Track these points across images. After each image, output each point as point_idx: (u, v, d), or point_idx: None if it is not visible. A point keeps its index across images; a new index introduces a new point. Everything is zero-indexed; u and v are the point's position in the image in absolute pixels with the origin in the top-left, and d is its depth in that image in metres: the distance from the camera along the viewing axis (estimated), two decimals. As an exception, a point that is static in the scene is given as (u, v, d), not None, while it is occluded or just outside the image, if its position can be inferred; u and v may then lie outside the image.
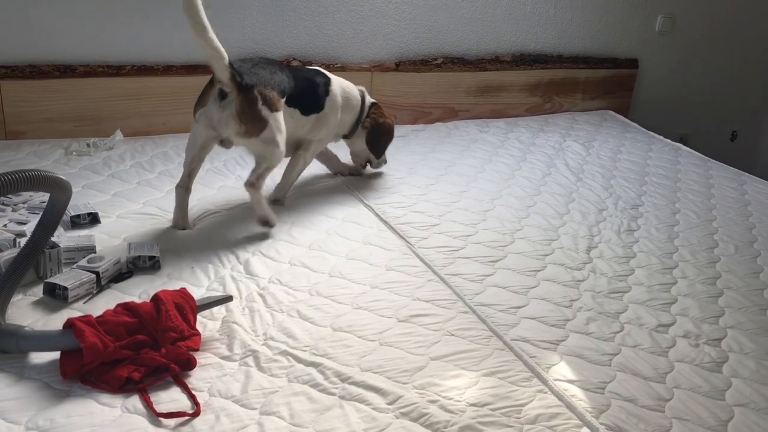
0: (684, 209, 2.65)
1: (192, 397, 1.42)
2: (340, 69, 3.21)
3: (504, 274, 2.06)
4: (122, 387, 1.43)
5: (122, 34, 2.91)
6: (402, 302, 1.87)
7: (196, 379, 1.49)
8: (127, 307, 1.55)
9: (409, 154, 3.00)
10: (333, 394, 1.48)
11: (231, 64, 2.03)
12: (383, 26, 3.30)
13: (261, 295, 1.85)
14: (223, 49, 1.99)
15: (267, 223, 2.21)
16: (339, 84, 2.52)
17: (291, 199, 2.48)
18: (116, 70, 2.90)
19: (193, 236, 2.15)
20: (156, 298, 1.57)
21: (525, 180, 2.81)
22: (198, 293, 1.80)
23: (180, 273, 1.93)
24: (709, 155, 3.34)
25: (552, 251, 2.22)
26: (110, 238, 2.09)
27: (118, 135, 2.88)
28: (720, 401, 1.57)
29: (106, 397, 1.42)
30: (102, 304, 1.70)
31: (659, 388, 1.60)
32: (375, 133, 2.63)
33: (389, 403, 1.46)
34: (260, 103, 2.11)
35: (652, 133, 3.58)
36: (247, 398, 1.45)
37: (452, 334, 1.74)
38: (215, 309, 1.74)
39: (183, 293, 1.61)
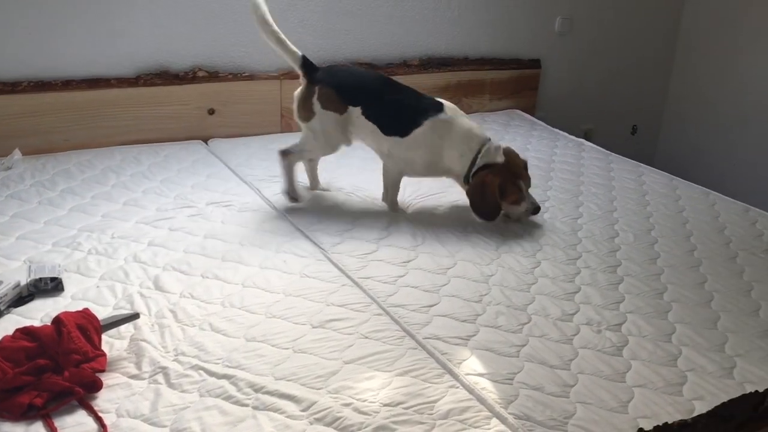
0: (587, 202, 2.76)
1: (98, 419, 1.38)
2: (248, 78, 3.19)
3: (416, 274, 2.09)
4: (24, 414, 1.38)
5: (16, 49, 2.80)
6: (316, 308, 1.88)
7: (103, 400, 1.46)
8: (26, 332, 1.50)
9: (322, 161, 2.99)
10: (246, 405, 1.48)
11: (304, 62, 2.50)
12: (290, 34, 3.25)
13: (171, 311, 1.82)
14: (294, 49, 2.50)
15: (289, 197, 2.54)
16: (448, 122, 2.45)
17: (202, 210, 2.44)
18: (12, 87, 2.79)
19: (99, 254, 2.10)
20: (57, 321, 1.52)
21: (434, 182, 2.86)
22: (104, 313, 1.76)
23: (85, 293, 1.88)
24: (612, 149, 3.50)
25: (461, 249, 2.28)
26: (9, 261, 2.01)
27: (17, 154, 2.77)
28: (621, 383, 1.65)
29: (7, 426, 1.37)
30: (1, 331, 1.64)
31: (564, 374, 1.66)
32: (470, 192, 2.46)
33: (303, 410, 1.47)
34: (315, 97, 2.47)
35: (557, 130, 3.72)
36: (157, 416, 1.42)
37: (366, 337, 1.76)
38: (123, 327, 1.70)
39: (86, 314, 1.57)
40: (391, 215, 2.50)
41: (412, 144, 2.46)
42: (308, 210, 2.50)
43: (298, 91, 2.54)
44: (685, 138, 4.62)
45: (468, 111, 3.80)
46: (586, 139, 3.72)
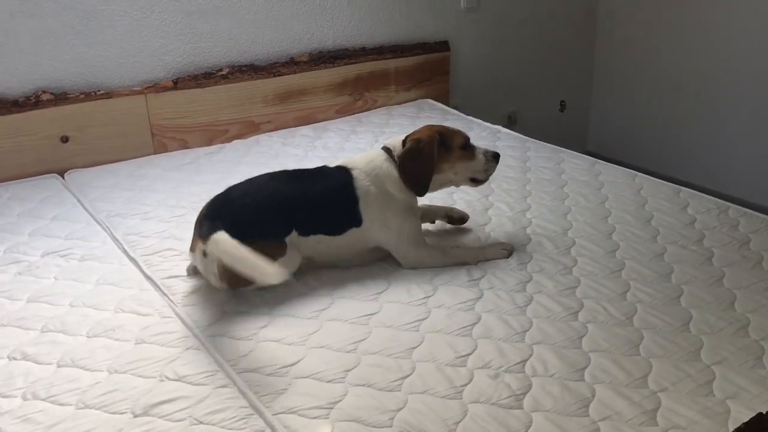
0: (497, 202, 2.42)
1: None
2: (105, 96, 2.77)
3: (287, 320, 1.72)
4: None
5: None
6: (145, 387, 1.51)
7: None
8: None
9: (200, 184, 2.60)
10: None
11: None
12: (151, 40, 2.88)
13: (-49, 416, 1.43)
14: None
15: None
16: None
17: (34, 264, 2.03)
18: None
19: None
20: None
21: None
22: None
23: None
24: (540, 128, 3.21)
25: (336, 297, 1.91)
26: None
27: None
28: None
29: None
30: None
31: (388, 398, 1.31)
32: (404, 156, 2.13)
33: None
34: None
35: (471, 118, 3.37)
36: None
37: (200, 422, 1.40)
38: None
39: None
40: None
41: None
42: (166, 257, 2.10)
43: None
44: (617, 111, 4.31)
45: (373, 106, 3.48)
46: (510, 123, 3.38)
